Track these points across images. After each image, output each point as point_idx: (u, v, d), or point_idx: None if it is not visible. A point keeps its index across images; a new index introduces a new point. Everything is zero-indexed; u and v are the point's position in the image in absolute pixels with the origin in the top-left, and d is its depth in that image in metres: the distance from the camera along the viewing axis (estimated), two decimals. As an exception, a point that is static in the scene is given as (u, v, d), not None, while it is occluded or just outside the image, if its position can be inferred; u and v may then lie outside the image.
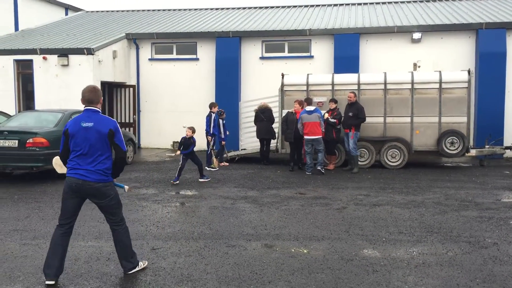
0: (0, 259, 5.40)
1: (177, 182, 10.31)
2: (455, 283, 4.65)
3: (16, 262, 5.30)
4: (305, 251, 5.67)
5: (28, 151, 10.13)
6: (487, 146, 13.27)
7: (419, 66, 15.35)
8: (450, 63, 14.97)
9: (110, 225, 4.85)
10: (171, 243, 5.99)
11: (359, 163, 12.05)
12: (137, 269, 4.92)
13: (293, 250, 5.70)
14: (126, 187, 5.12)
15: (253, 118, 13.92)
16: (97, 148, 4.56)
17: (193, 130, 10.59)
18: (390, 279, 4.76)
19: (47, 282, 4.59)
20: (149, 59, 17.43)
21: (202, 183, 10.42)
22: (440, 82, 12.19)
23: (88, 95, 4.68)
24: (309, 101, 12.01)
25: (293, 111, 12.21)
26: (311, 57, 16.28)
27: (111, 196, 4.70)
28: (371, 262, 5.26)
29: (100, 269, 5.05)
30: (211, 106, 12.93)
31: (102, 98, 4.80)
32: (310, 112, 11.53)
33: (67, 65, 15.34)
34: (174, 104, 17.04)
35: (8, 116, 13.16)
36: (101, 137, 4.56)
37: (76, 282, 4.71)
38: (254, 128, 13.83)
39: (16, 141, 10.20)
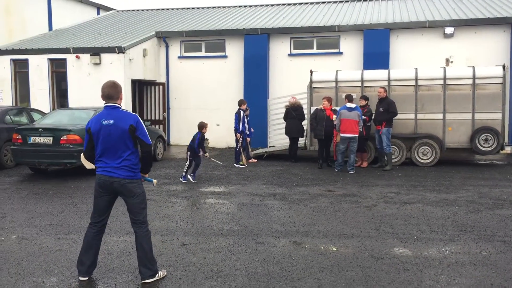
0: (36, 253, 5.56)
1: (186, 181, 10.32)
2: (489, 283, 4.55)
3: (51, 256, 5.44)
4: (334, 249, 5.64)
5: (62, 148, 10.39)
6: (523, 143, 12.90)
7: (451, 62, 15.01)
8: (484, 58, 14.60)
9: (133, 227, 4.70)
10: (200, 239, 6.05)
11: (389, 160, 11.89)
12: (155, 278, 4.66)
13: (322, 248, 5.68)
14: (155, 181, 5.10)
15: (281, 115, 13.85)
16: (120, 145, 4.51)
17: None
18: (422, 278, 4.68)
19: (81, 278, 4.70)
20: (178, 57, 17.59)
21: (230, 180, 10.47)
22: (474, 78, 11.90)
23: (108, 91, 4.59)
24: (350, 98, 11.58)
25: (322, 108, 12.11)
26: (340, 53, 16.13)
27: (137, 194, 4.60)
28: (402, 261, 5.19)
29: (132, 264, 5.14)
30: (240, 103, 12.98)
31: (122, 93, 4.70)
32: (350, 109, 11.34)
33: (99, 63, 15.64)
34: (203, 101, 17.16)
35: (42, 113, 13.52)
36: (123, 134, 4.49)
37: (109, 276, 4.81)
38: (283, 125, 13.77)
39: (51, 138, 10.47)
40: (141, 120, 4.65)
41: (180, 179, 10.42)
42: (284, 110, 13.64)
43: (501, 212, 7.37)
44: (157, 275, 4.69)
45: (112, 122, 4.50)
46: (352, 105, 11.42)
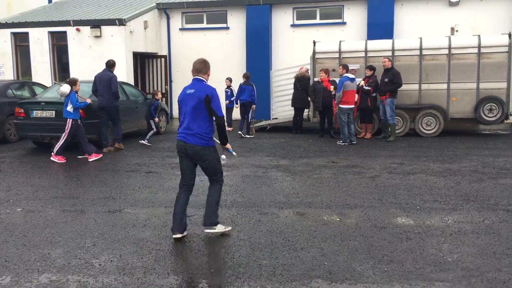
0: (41, 225, 5.61)
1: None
2: (491, 251, 4.57)
3: (57, 228, 5.49)
4: (337, 219, 5.66)
5: (65, 121, 10.34)
6: (528, 113, 12.79)
7: (456, 31, 14.79)
8: (489, 27, 14.36)
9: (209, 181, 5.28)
10: (204, 211, 6.07)
11: (393, 131, 11.85)
12: (215, 230, 5.08)
13: (325, 218, 5.70)
14: (234, 153, 5.54)
15: (284, 87, 13.88)
16: (196, 112, 4.93)
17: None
18: (424, 247, 4.71)
19: (174, 236, 5.02)
20: (180, 29, 17.39)
21: (238, 152, 10.45)
22: (479, 47, 11.73)
23: (198, 65, 5.14)
24: (347, 68, 11.54)
25: (320, 80, 12.06)
26: (343, 23, 15.90)
27: (207, 160, 5.03)
28: (405, 230, 5.21)
29: (137, 235, 5.19)
30: (247, 76, 13.32)
31: (210, 70, 5.23)
32: (352, 80, 11.28)
33: (100, 36, 15.48)
34: (205, 73, 17.01)
35: (44, 87, 13.46)
36: (199, 102, 4.90)
37: (114, 247, 4.86)
38: (286, 97, 13.81)
39: (53, 112, 10.45)
40: (217, 94, 5.04)
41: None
42: (288, 81, 13.70)
43: (505, 181, 7.36)
44: (216, 227, 5.09)
45: (193, 91, 4.99)
46: (352, 76, 11.33)
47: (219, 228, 5.12)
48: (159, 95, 11.88)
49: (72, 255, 4.65)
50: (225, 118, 5.35)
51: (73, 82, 9.71)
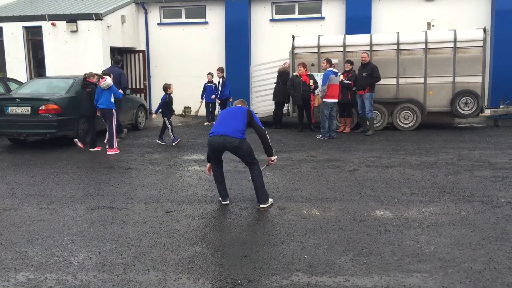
0: (18, 223, 5.52)
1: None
2: (467, 242, 4.67)
3: (34, 226, 5.41)
4: (317, 213, 5.71)
5: (41, 118, 10.20)
6: (502, 106, 13.05)
7: (433, 26, 14.96)
8: (465, 21, 14.57)
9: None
10: (184, 206, 6.06)
11: (371, 125, 11.97)
12: (269, 203, 5.95)
13: (305, 212, 5.74)
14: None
15: (264, 82, 13.93)
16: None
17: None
18: (402, 239, 4.79)
19: (223, 202, 6.13)
20: (158, 24, 17.23)
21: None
22: (455, 41, 11.91)
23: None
24: (331, 62, 11.57)
25: (298, 74, 12.12)
26: (322, 18, 15.96)
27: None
28: (383, 223, 5.28)
29: (116, 232, 5.15)
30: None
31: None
32: (336, 74, 11.34)
33: (76, 31, 15.25)
34: (184, 69, 16.93)
35: (19, 83, 13.21)
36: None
37: (93, 244, 4.81)
38: (266, 92, 13.88)
39: (29, 108, 10.26)
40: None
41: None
42: (267, 76, 13.78)
43: (480, 173, 7.51)
44: (268, 201, 5.98)
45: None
46: (335, 70, 11.41)
47: (269, 202, 6.02)
48: (172, 89, 11.05)
49: (50, 253, 4.59)
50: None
51: (108, 75, 10.17)
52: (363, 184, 7.00)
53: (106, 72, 10.58)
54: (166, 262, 4.33)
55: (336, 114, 11.95)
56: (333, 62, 11.72)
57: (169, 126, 10.72)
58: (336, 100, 11.33)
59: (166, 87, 10.82)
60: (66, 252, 4.62)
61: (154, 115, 11.51)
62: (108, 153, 9.83)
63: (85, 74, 10.52)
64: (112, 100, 10.03)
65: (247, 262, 4.29)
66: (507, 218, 5.36)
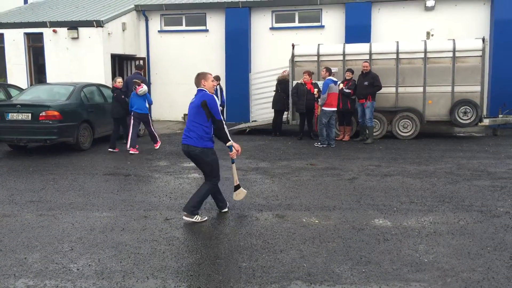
0: (17, 230, 5.52)
1: None
2: (466, 251, 4.68)
3: (33, 232, 5.42)
4: (316, 221, 5.72)
5: (42, 124, 10.22)
6: (501, 116, 13.09)
7: (432, 35, 15.06)
8: (464, 31, 14.68)
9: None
10: (184, 214, 6.06)
11: (370, 133, 12.00)
12: (191, 220, 5.63)
13: (304, 220, 5.75)
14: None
15: (263, 90, 14.00)
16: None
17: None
18: (401, 248, 4.80)
19: (223, 211, 6.07)
20: (159, 31, 17.31)
21: (217, 155, 10.45)
22: (454, 51, 11.98)
23: (194, 80, 5.85)
24: (331, 71, 11.60)
25: (303, 82, 12.14)
26: (322, 27, 16.05)
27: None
28: (382, 231, 5.29)
29: (115, 239, 5.16)
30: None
31: (205, 79, 5.76)
32: (336, 83, 11.38)
33: (77, 38, 15.31)
34: (184, 76, 16.96)
35: (20, 89, 13.24)
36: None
37: (92, 251, 4.81)
38: (265, 100, 13.93)
39: (29, 114, 10.29)
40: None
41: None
42: (267, 84, 13.82)
43: (479, 182, 7.53)
44: (194, 218, 5.64)
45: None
46: (335, 78, 11.45)
47: (196, 219, 5.66)
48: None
49: (50, 260, 4.60)
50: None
51: (144, 82, 11.35)
52: (362, 192, 7.02)
53: (142, 79, 11.49)
54: (166, 270, 4.33)
55: (335, 122, 11.98)
56: (332, 71, 11.77)
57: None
58: (335, 109, 11.36)
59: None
60: (65, 259, 4.62)
61: None
62: (130, 152, 10.62)
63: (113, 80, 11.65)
64: (146, 105, 11.01)
65: (246, 270, 4.30)
66: (505, 228, 5.37)
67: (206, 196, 5.77)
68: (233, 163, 6.10)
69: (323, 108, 11.28)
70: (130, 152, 10.59)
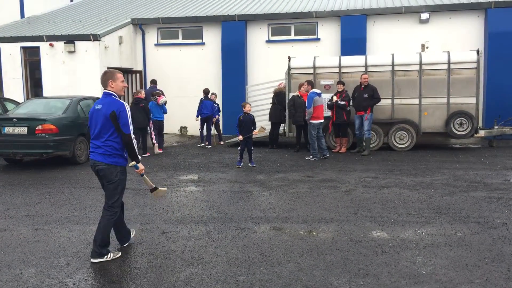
0: (13, 244, 5.48)
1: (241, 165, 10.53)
2: (463, 263, 4.67)
3: (29, 247, 5.38)
4: (313, 233, 5.70)
5: (38, 138, 10.21)
6: (496, 127, 13.17)
7: (427, 47, 15.19)
8: (459, 43, 14.81)
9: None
10: (180, 227, 6.05)
11: (367, 145, 12.03)
12: (104, 259, 4.82)
13: (301, 233, 5.74)
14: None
15: (260, 102, 14.05)
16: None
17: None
18: (399, 260, 4.78)
19: (123, 245, 5.28)
20: (155, 44, 17.39)
21: (209, 167, 10.46)
22: (449, 63, 12.07)
23: (101, 79, 4.95)
24: (313, 84, 11.88)
25: (299, 94, 12.18)
26: (317, 39, 16.15)
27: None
28: (380, 244, 5.28)
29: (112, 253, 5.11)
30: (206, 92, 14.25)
31: (113, 80, 4.86)
32: (320, 95, 11.43)
33: (74, 51, 15.34)
34: (181, 89, 17.03)
35: (16, 103, 13.23)
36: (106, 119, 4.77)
37: (88, 265, 4.78)
38: (262, 112, 13.94)
39: (26, 128, 10.28)
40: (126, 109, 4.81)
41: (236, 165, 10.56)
42: (263, 96, 13.90)
43: (475, 194, 7.54)
44: (106, 257, 4.87)
45: (100, 107, 4.81)
46: (318, 91, 11.50)
47: (108, 257, 4.87)
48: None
49: (46, 275, 4.56)
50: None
51: (163, 93, 13.31)
52: (360, 204, 7.02)
53: (160, 90, 13.58)
54: (162, 284, 4.30)
55: (329, 134, 12.00)
56: (327, 83, 11.85)
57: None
58: (322, 121, 11.39)
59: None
60: (61, 273, 4.59)
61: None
62: (159, 151, 12.52)
63: (134, 92, 13.28)
64: (163, 114, 12.91)
65: (244, 283, 4.27)
66: (503, 239, 5.37)
67: (108, 228, 4.91)
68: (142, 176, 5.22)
69: (311, 121, 11.26)
70: (159, 152, 12.53)
